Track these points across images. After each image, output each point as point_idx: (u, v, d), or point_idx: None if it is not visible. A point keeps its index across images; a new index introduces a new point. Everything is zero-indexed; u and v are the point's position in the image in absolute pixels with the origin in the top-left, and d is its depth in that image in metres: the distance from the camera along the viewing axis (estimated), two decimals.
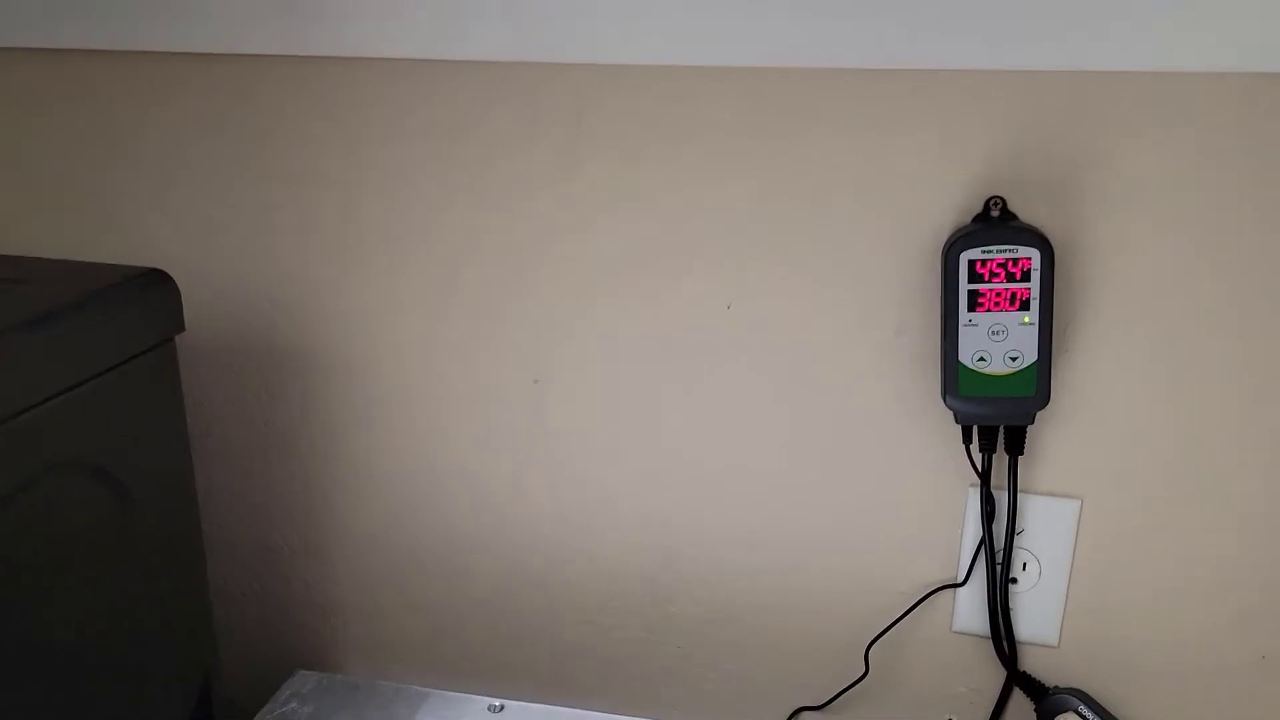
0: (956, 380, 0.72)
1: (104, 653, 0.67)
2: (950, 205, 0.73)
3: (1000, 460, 0.76)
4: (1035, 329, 0.70)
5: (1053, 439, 0.76)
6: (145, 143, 0.84)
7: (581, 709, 0.79)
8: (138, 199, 0.86)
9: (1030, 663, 0.81)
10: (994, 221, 0.70)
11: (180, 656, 0.75)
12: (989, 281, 0.70)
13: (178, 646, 0.74)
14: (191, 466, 0.74)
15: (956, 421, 0.75)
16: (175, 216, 0.86)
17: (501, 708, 0.79)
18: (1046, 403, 0.72)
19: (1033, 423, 0.73)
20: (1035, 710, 0.80)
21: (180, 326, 0.70)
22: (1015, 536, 0.78)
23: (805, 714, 0.87)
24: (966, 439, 0.75)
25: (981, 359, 0.71)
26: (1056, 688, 0.79)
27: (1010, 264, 0.69)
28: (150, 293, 0.68)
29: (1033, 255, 0.69)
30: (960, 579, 0.80)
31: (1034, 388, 0.71)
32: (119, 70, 0.83)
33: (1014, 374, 0.71)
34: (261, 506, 0.92)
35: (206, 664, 0.78)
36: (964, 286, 0.70)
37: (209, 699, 0.78)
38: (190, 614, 0.76)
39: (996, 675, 0.81)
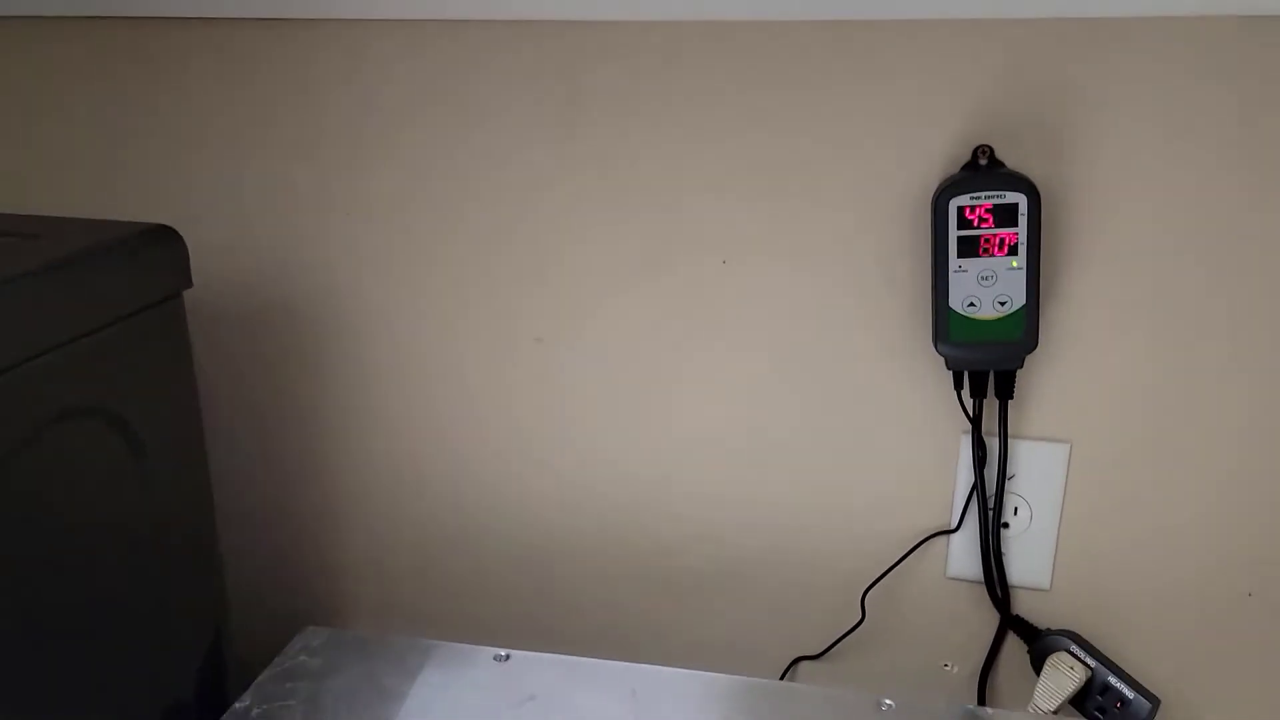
0: (947, 326, 0.74)
1: (117, 605, 0.68)
2: (939, 154, 0.74)
3: (991, 406, 0.78)
4: (1024, 273, 0.72)
5: (1042, 383, 0.78)
6: (154, 107, 0.86)
7: (584, 656, 0.81)
8: (148, 162, 0.87)
9: (1023, 606, 0.83)
10: (982, 169, 0.72)
11: (192, 612, 0.76)
12: (978, 228, 0.72)
13: (190, 598, 0.76)
14: (201, 421, 0.75)
15: (948, 367, 0.77)
16: (185, 179, 0.87)
17: (507, 657, 0.80)
18: (1035, 346, 0.74)
19: (1022, 366, 0.75)
20: (1029, 652, 0.82)
21: (188, 282, 0.72)
22: (1006, 481, 0.80)
23: (804, 662, 0.88)
24: (958, 385, 0.77)
25: (972, 304, 0.73)
26: (1049, 630, 0.81)
27: (998, 210, 0.71)
28: (158, 248, 0.70)
29: (1020, 200, 0.71)
30: (953, 525, 0.82)
31: (1023, 331, 0.73)
32: (129, 36, 0.84)
33: (1003, 318, 0.73)
34: (270, 467, 0.94)
35: (218, 620, 0.79)
36: (953, 233, 0.72)
37: (220, 655, 0.80)
38: (202, 567, 0.77)
39: (990, 619, 0.83)
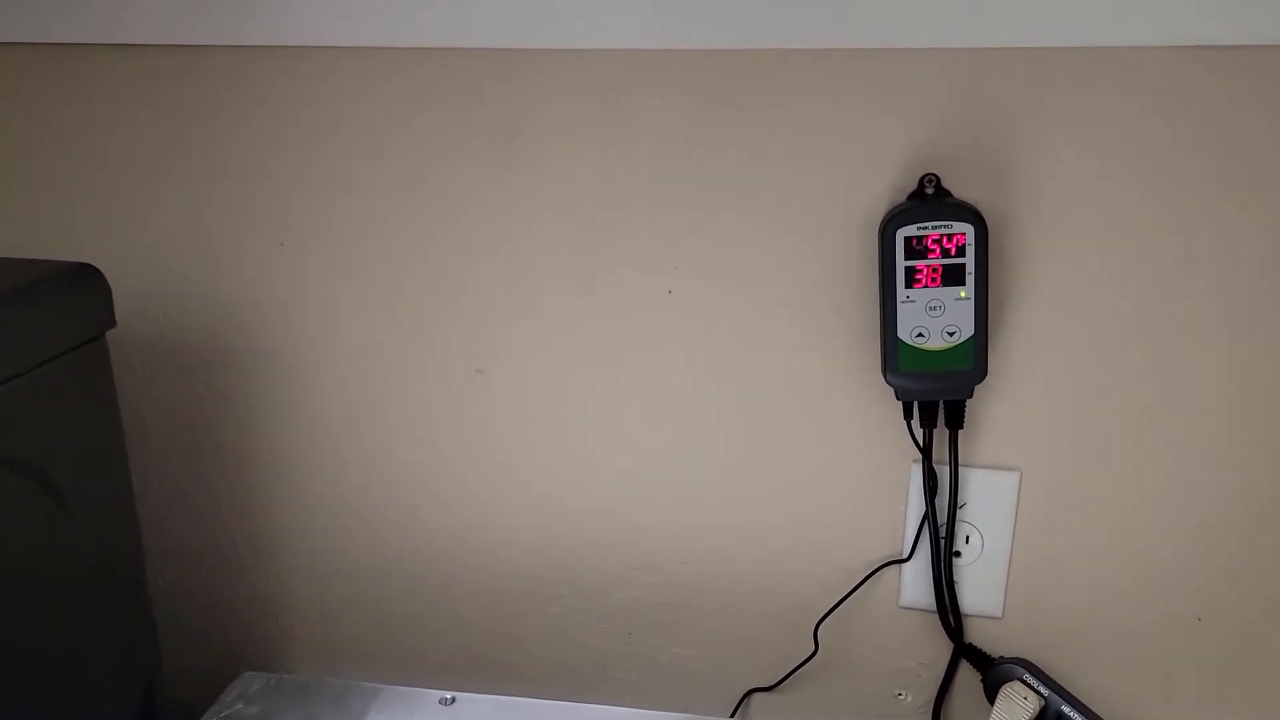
0: (896, 356, 0.73)
1: (40, 656, 0.65)
2: (886, 183, 0.74)
3: (941, 435, 0.77)
4: (971, 303, 0.71)
5: (991, 412, 0.77)
6: (76, 136, 0.82)
7: (532, 698, 0.79)
8: (68, 194, 0.84)
9: (976, 634, 0.82)
10: (929, 198, 0.71)
11: (121, 660, 0.73)
12: (925, 258, 0.71)
13: (118, 650, 0.73)
14: (127, 465, 0.72)
15: (897, 398, 0.76)
16: (107, 212, 0.84)
17: (453, 700, 0.78)
18: (984, 376, 0.73)
19: (971, 396, 0.75)
20: (982, 681, 0.81)
21: (111, 322, 0.69)
22: (958, 510, 0.79)
23: (757, 695, 0.87)
24: (908, 414, 0.76)
25: (920, 334, 0.72)
26: (1002, 658, 0.81)
27: (945, 240, 0.70)
28: (79, 288, 0.67)
29: (967, 231, 0.70)
30: (905, 554, 0.81)
31: (971, 361, 0.72)
32: (48, 63, 0.81)
33: (952, 348, 0.72)
34: (205, 507, 0.91)
35: (149, 667, 0.77)
36: (901, 263, 0.71)
37: (152, 703, 0.77)
38: (130, 616, 0.74)
39: (944, 648, 0.83)
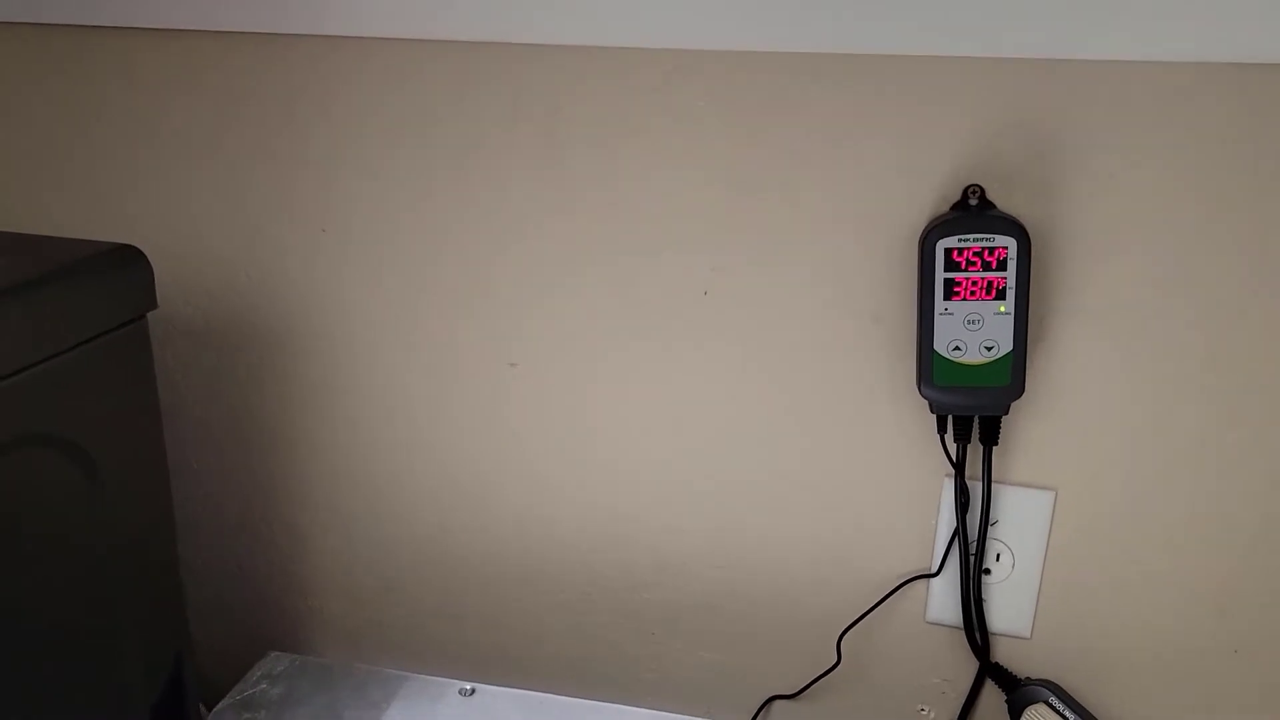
0: (932, 369, 0.72)
1: (72, 631, 0.66)
2: (928, 193, 0.72)
3: (975, 450, 0.76)
4: (1011, 318, 0.70)
5: (1028, 429, 0.75)
6: (120, 119, 0.84)
7: (552, 693, 0.79)
8: (112, 176, 0.85)
9: (1003, 654, 0.81)
10: (972, 210, 0.70)
11: (151, 635, 0.74)
12: (965, 270, 0.70)
13: (148, 626, 0.74)
14: (163, 445, 0.73)
15: (931, 411, 0.75)
16: (151, 194, 0.85)
17: (472, 691, 0.79)
18: (1021, 393, 0.72)
19: (1008, 413, 0.73)
20: (1007, 701, 0.80)
21: (153, 304, 0.70)
22: (989, 527, 0.78)
23: (778, 702, 0.87)
24: (941, 429, 0.75)
25: (957, 348, 0.71)
26: (1028, 679, 0.79)
27: (987, 253, 0.69)
28: (121, 269, 0.68)
29: (1009, 244, 0.69)
30: (934, 569, 0.80)
31: (1009, 377, 0.71)
32: (93, 45, 0.82)
33: (989, 363, 0.71)
34: (238, 486, 0.92)
35: (178, 643, 0.78)
36: (940, 275, 0.70)
37: (180, 678, 0.78)
38: (161, 593, 0.75)
39: (969, 666, 0.81)
